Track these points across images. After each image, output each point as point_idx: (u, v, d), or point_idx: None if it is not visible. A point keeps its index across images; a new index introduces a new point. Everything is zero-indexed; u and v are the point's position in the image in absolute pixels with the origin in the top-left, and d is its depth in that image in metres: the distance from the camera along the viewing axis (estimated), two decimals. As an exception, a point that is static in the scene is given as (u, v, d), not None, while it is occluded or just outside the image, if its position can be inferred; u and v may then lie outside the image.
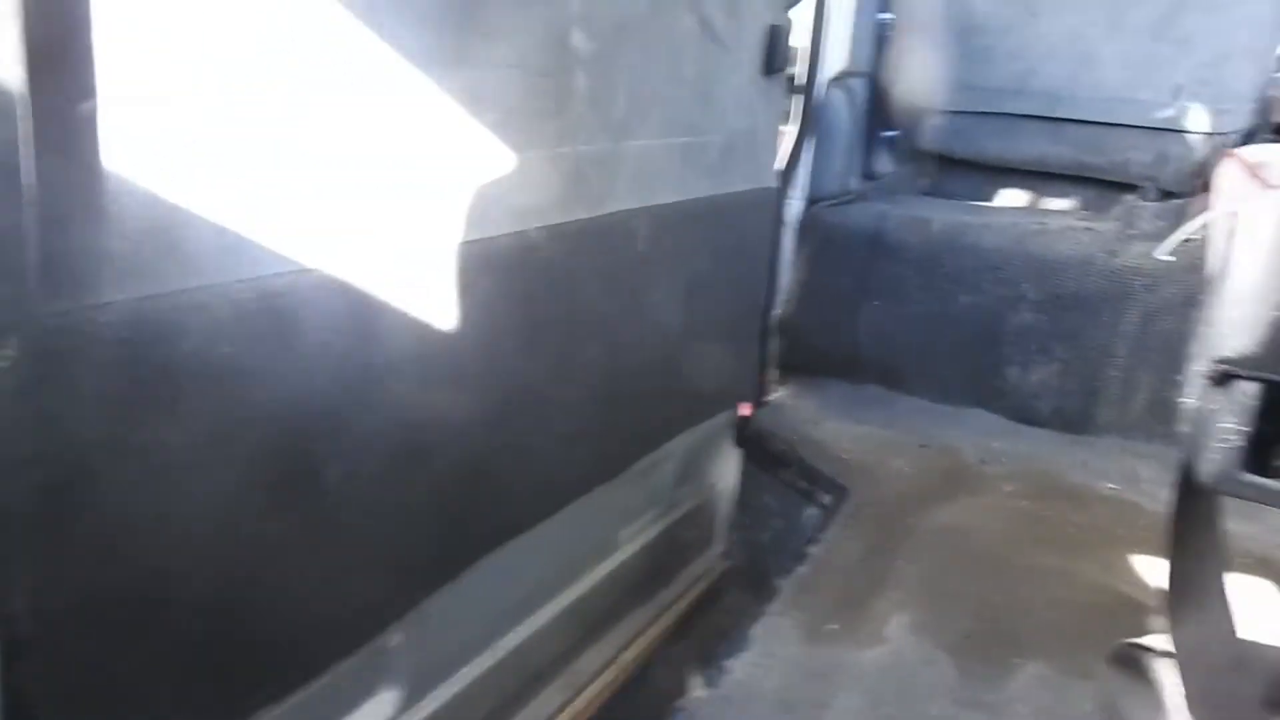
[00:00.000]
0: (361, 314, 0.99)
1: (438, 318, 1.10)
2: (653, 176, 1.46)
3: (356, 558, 1.08)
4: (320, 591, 1.04)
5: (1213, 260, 0.87)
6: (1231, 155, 1.93)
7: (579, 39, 1.20)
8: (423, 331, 1.08)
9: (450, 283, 1.11)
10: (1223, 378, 0.80)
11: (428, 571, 1.22)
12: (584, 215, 1.31)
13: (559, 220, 1.27)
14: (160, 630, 0.86)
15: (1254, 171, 1.78)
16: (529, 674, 1.58)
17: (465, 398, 1.18)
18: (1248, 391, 0.78)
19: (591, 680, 1.73)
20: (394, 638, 1.21)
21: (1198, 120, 2.26)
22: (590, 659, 1.76)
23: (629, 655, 1.83)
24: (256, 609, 0.97)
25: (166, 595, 0.86)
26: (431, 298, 1.08)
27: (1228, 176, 1.91)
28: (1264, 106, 2.31)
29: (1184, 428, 0.88)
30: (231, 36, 0.81)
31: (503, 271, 1.18)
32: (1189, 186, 2.28)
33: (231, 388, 0.87)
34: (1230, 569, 1.06)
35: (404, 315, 1.04)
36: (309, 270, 0.92)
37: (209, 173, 0.81)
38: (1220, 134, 2.25)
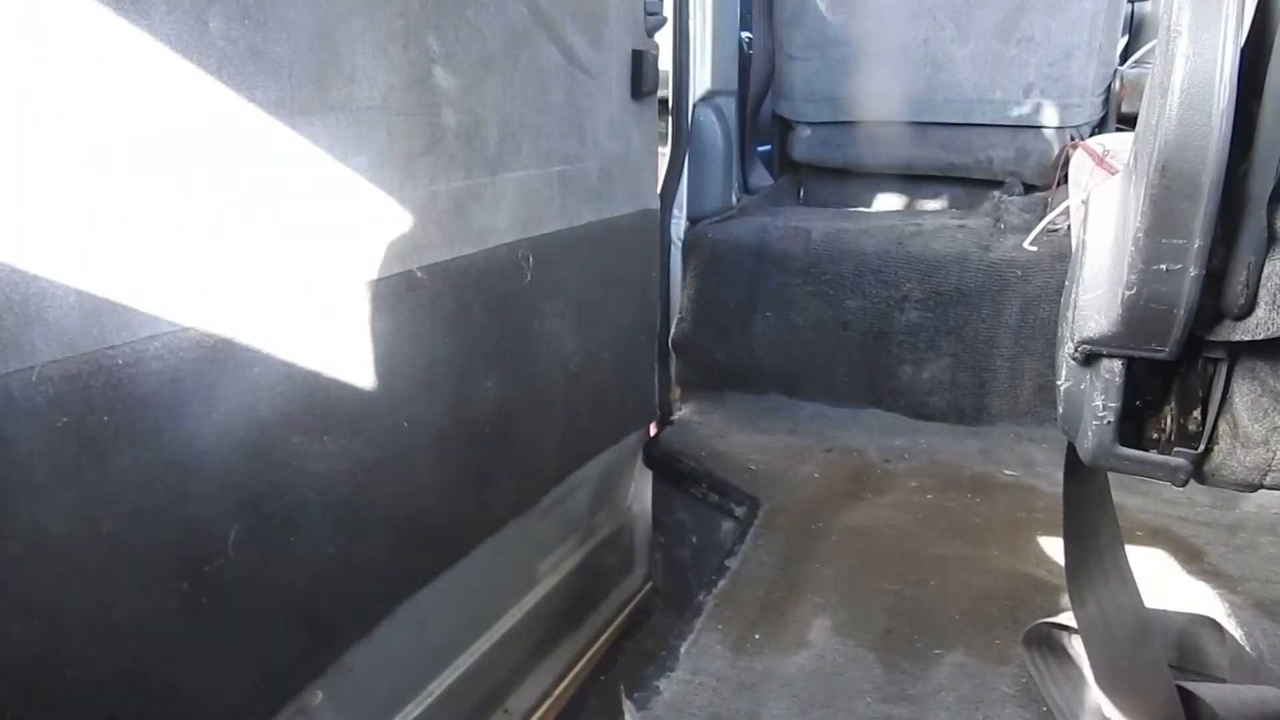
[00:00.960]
0: (246, 369, 0.97)
1: (328, 366, 1.08)
2: (534, 207, 1.47)
3: (265, 618, 1.05)
4: (229, 655, 1.01)
5: (1074, 246, 0.91)
6: (1080, 146, 2.04)
7: (442, 76, 1.20)
8: (313, 381, 1.06)
9: (337, 329, 1.10)
10: (1088, 357, 0.83)
11: (343, 625, 1.19)
12: (469, 250, 1.31)
13: (444, 257, 1.26)
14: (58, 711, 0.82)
15: (1099, 159, 1.89)
16: (462, 717, 1.56)
17: (364, 444, 1.16)
18: (1113, 369, 0.81)
19: (526, 717, 1.71)
20: (315, 696, 1.18)
21: (1050, 115, 2.37)
22: (523, 695, 1.74)
23: (562, 687, 1.81)
24: (162, 683, 0.93)
25: (59, 677, 0.82)
26: (320, 346, 1.07)
27: (1079, 166, 2.02)
28: (1110, 98, 2.44)
29: (1060, 409, 0.91)
30: (80, 102, 0.79)
31: (390, 313, 1.17)
32: (1049, 178, 2.39)
33: (113, 459, 0.84)
34: (1127, 542, 1.10)
35: (292, 366, 1.03)
36: (186, 329, 0.90)
37: (67, 241, 0.78)
38: (1073, 126, 2.37)
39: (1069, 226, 2.09)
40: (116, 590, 0.86)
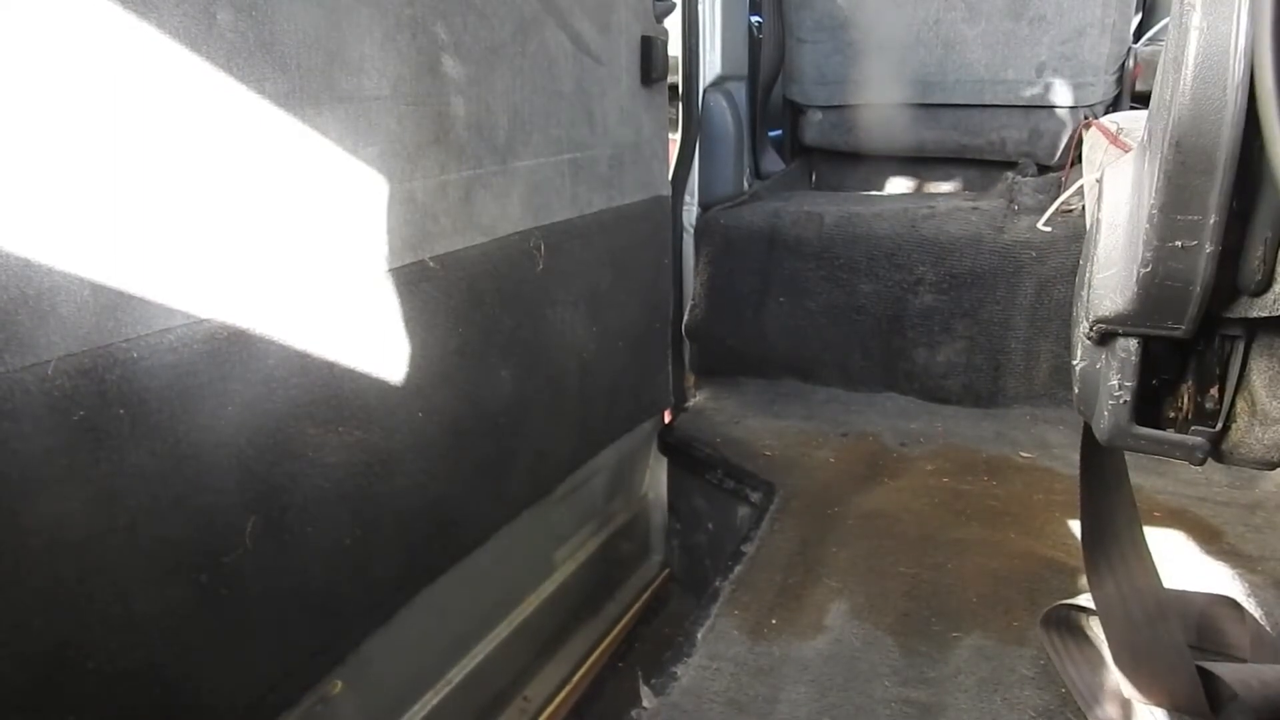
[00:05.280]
0: (260, 361, 0.98)
1: (342, 357, 1.08)
2: (544, 195, 1.47)
3: (283, 609, 1.06)
4: (249, 646, 1.02)
5: (1088, 225, 0.91)
6: (1094, 125, 2.02)
7: (451, 65, 1.20)
8: (327, 373, 1.07)
9: (350, 319, 1.10)
10: (1103, 336, 0.82)
11: (361, 614, 1.20)
12: (480, 239, 1.31)
13: (455, 247, 1.26)
14: (79, 703, 0.83)
15: (1113, 138, 1.87)
16: (480, 705, 1.57)
17: (379, 435, 1.16)
18: (1129, 348, 0.81)
19: (545, 704, 1.72)
20: (334, 685, 1.19)
21: (1063, 95, 2.35)
22: (541, 683, 1.75)
23: (580, 674, 1.82)
24: (182, 674, 0.94)
25: (80, 668, 0.83)
26: (333, 337, 1.07)
27: (1093, 145, 2.00)
28: (1124, 76, 2.42)
29: (1076, 389, 0.91)
30: (91, 97, 0.79)
31: (403, 303, 1.18)
32: (1063, 159, 2.37)
33: (129, 452, 0.84)
34: (1145, 523, 1.09)
35: (306, 358, 1.03)
36: (200, 321, 0.91)
37: (80, 235, 0.79)
38: (1086, 106, 2.35)
39: (1083, 206, 2.07)
40: (136, 582, 0.87)
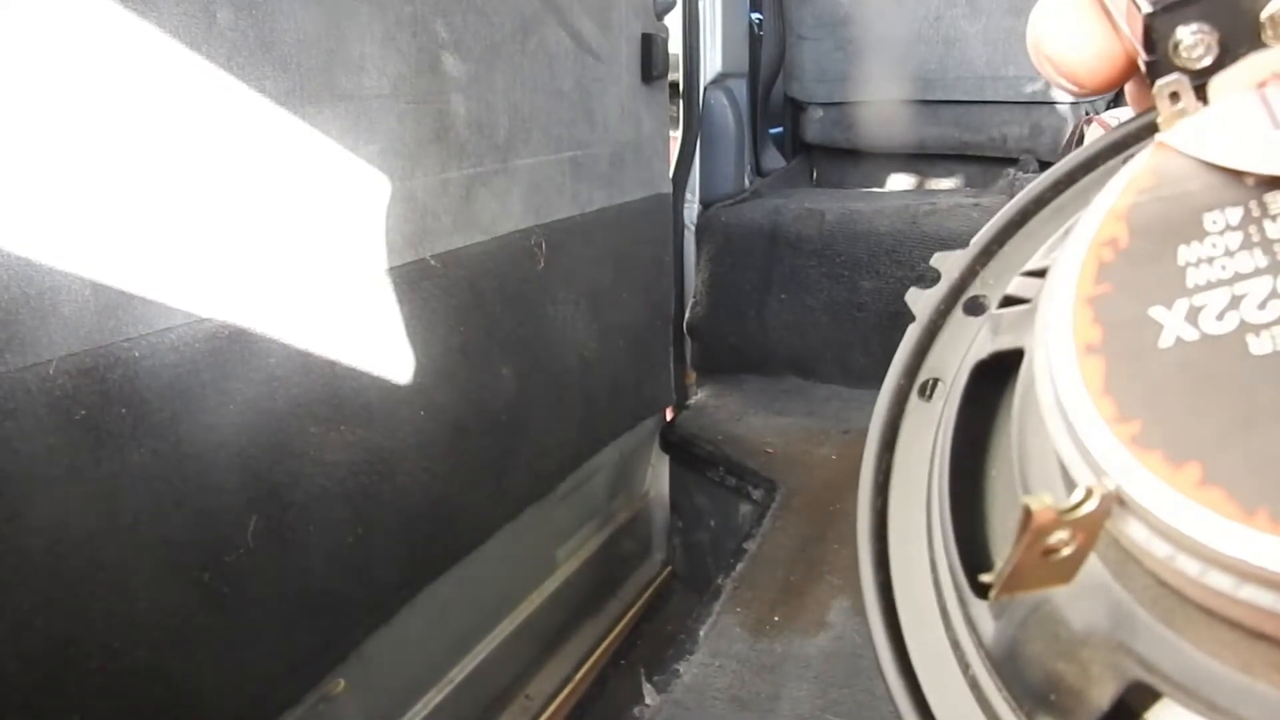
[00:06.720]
0: (261, 359, 0.98)
1: (343, 355, 1.08)
2: (545, 193, 1.47)
3: (286, 607, 1.06)
4: (251, 644, 1.02)
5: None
6: (1095, 120, 2.02)
7: (451, 63, 1.20)
8: (329, 371, 1.07)
9: (352, 318, 1.10)
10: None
11: (363, 613, 1.20)
12: (481, 237, 1.31)
13: (457, 245, 1.26)
14: (82, 702, 0.83)
15: (1115, 132, 1.86)
16: (482, 703, 1.57)
17: (381, 433, 1.17)
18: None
19: (547, 703, 1.72)
20: (336, 684, 1.19)
21: (1064, 91, 2.34)
22: (544, 680, 1.75)
23: (582, 672, 1.82)
24: (185, 673, 0.94)
25: (83, 668, 0.83)
26: (335, 335, 1.07)
27: (1094, 140, 2.00)
28: (1126, 72, 2.41)
29: None
30: (92, 96, 0.79)
31: (404, 301, 1.18)
32: (1064, 155, 2.36)
33: (131, 451, 0.85)
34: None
35: (308, 356, 1.03)
36: (201, 320, 0.91)
37: (81, 234, 0.79)
38: (1087, 102, 2.34)
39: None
40: (138, 581, 0.87)
